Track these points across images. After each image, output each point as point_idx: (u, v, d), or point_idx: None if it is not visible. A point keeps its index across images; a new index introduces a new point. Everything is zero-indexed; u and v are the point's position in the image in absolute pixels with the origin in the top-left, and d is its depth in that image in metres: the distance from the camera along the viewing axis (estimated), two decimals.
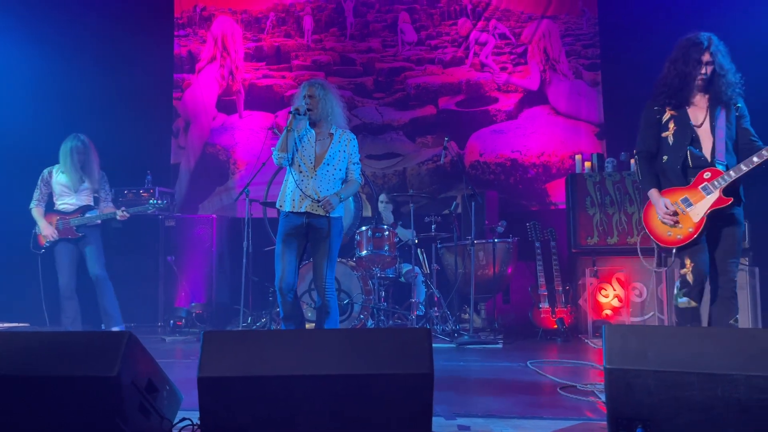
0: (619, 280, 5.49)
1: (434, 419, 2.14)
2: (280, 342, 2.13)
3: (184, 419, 2.32)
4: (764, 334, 2.03)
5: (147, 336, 5.49)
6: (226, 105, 7.63)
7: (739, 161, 3.05)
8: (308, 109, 3.72)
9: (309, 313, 4.97)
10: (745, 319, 5.01)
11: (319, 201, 3.66)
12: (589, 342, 5.12)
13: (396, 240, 5.49)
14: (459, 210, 6.31)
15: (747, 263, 5.07)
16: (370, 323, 5.27)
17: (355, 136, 3.92)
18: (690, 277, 3.02)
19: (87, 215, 5.07)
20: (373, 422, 2.06)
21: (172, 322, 5.95)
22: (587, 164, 5.91)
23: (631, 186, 5.59)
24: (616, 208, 5.60)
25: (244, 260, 5.35)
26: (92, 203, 5.17)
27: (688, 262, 3.04)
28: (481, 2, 7.26)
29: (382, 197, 6.15)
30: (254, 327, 5.70)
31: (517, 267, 5.95)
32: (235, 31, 7.69)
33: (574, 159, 6.20)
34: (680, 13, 5.95)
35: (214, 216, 6.62)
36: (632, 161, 5.74)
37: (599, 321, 5.41)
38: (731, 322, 2.99)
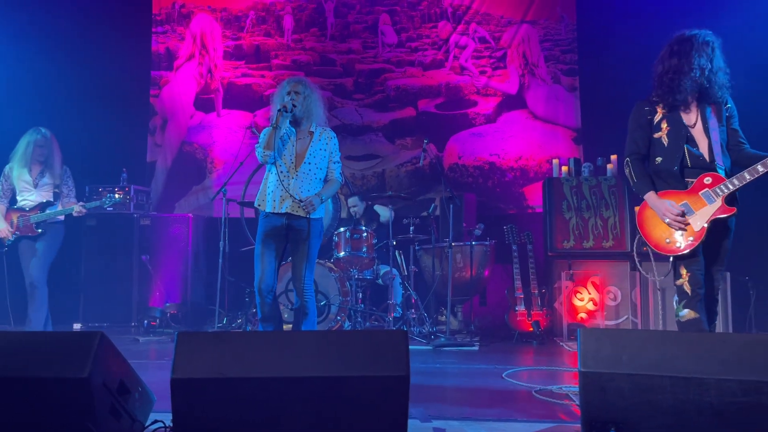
0: (594, 284, 5.55)
1: (410, 422, 2.14)
2: (255, 344, 2.11)
3: (156, 422, 2.29)
4: (735, 338, 2.07)
5: (120, 336, 5.41)
6: (204, 103, 7.56)
7: (731, 164, 2.99)
8: (293, 105, 3.69)
9: (285, 314, 4.94)
10: (717, 324, 5.09)
11: (300, 202, 3.63)
12: (564, 345, 5.16)
13: (374, 242, 5.49)
14: (437, 212, 6.33)
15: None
16: (347, 325, 5.25)
17: (335, 134, 3.89)
18: (687, 287, 2.89)
19: (47, 211, 4.94)
20: (349, 424, 2.05)
21: (146, 322, 5.88)
22: (564, 168, 5.97)
23: (607, 191, 5.65)
24: (592, 213, 5.66)
25: (221, 260, 5.30)
26: (52, 199, 5.00)
27: (684, 271, 2.91)
28: (461, 6, 7.29)
29: (352, 201, 6.10)
30: (230, 328, 5.65)
31: (494, 269, 5.98)
32: (214, 29, 7.62)
33: (551, 163, 6.26)
34: (658, 22, 6.04)
35: (191, 215, 6.56)
36: (609, 166, 5.80)
37: (574, 324, 5.46)
38: (711, 327, 2.99)
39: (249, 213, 6.23)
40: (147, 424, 2.32)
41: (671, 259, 2.98)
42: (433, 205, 6.23)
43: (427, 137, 5.83)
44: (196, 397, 2.01)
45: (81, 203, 5.00)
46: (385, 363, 2.04)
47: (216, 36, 7.61)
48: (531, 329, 5.40)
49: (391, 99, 7.33)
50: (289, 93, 3.73)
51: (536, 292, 5.50)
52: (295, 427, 2.03)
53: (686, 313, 2.89)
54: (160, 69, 7.62)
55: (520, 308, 5.47)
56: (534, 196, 6.89)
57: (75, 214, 4.95)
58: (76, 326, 6.11)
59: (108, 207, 5.11)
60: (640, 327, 5.29)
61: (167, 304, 6.14)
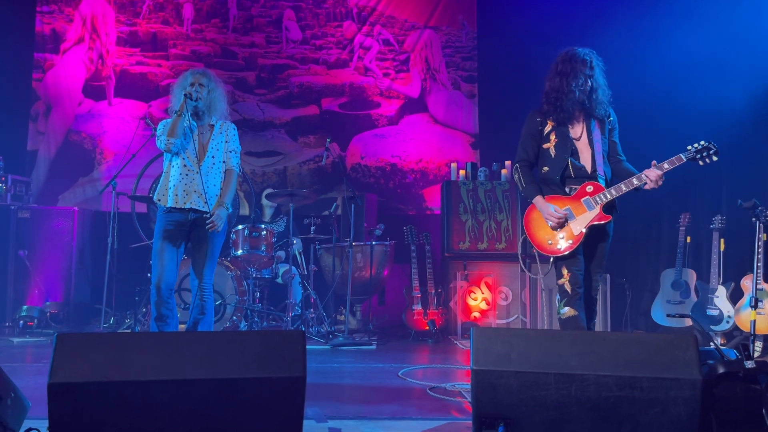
0: (487, 284, 5.76)
1: (305, 422, 2.12)
2: (142, 345, 2.01)
3: (30, 429, 2.14)
4: (613, 336, 2.21)
5: None
6: (94, 90, 7.12)
7: (610, 174, 3.23)
8: (197, 96, 3.56)
9: (179, 314, 4.75)
10: (596, 322, 5.44)
11: (206, 214, 3.52)
12: (458, 343, 5.32)
13: (273, 240, 5.40)
14: (339, 211, 6.33)
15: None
16: (243, 325, 5.13)
17: (235, 127, 3.81)
18: (568, 287, 3.10)
19: None
20: (242, 428, 2.00)
21: (21, 322, 5.45)
22: (462, 172, 6.15)
23: (501, 195, 5.89)
24: (486, 215, 5.87)
25: (108, 257, 5.02)
26: None
27: (565, 272, 3.10)
28: (366, 7, 7.33)
29: (266, 201, 5.98)
30: (118, 329, 5.37)
31: (393, 269, 6.06)
32: (106, 12, 7.20)
33: (449, 166, 6.43)
34: (555, 34, 6.34)
35: (76, 208, 6.15)
36: (503, 171, 6.05)
37: (468, 323, 5.64)
38: (590, 325, 3.17)
39: (140, 208, 5.95)
40: None
41: (552, 259, 3.17)
42: (334, 204, 6.22)
43: (330, 136, 5.82)
44: (76, 403, 1.89)
45: None
46: (281, 364, 2.01)
47: (109, 20, 7.20)
48: (427, 328, 5.52)
49: (295, 96, 7.25)
50: (192, 84, 3.61)
51: (433, 291, 5.63)
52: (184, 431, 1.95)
53: (567, 311, 3.09)
54: (45, 51, 7.10)
55: (417, 307, 5.58)
56: (433, 198, 7.06)
57: None
58: None
59: None
60: (528, 326, 5.54)
61: (47, 303, 5.73)
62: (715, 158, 3.00)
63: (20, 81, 6.97)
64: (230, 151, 3.71)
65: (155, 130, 3.70)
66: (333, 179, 7.05)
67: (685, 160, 3.01)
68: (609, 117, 3.26)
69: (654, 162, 3.05)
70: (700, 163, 3.02)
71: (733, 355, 2.51)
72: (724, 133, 5.11)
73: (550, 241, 3.13)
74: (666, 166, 3.01)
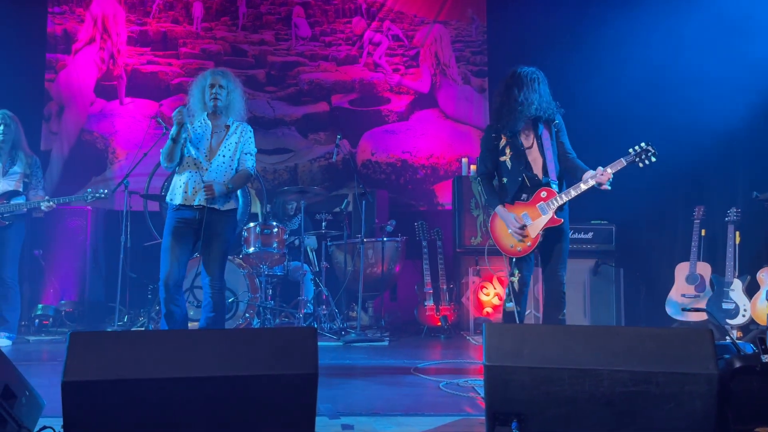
0: (499, 279, 5.73)
1: (318, 418, 2.12)
2: (155, 343, 2.02)
3: (45, 428, 2.15)
4: (626, 331, 2.19)
5: None
6: (105, 90, 7.16)
7: (560, 172, 3.45)
8: (214, 98, 3.62)
9: (191, 312, 4.78)
10: (609, 317, 5.42)
11: (215, 212, 3.54)
12: (471, 339, 5.30)
13: (285, 237, 5.41)
14: (350, 208, 6.32)
15: (613, 265, 5.48)
16: (255, 322, 5.15)
17: (251, 128, 3.84)
18: (517, 286, 3.46)
19: (12, 202, 4.58)
20: (255, 424, 2.01)
21: (37, 321, 5.51)
22: (473, 167, 6.12)
23: None
24: None
25: (122, 255, 5.05)
26: (21, 189, 4.69)
27: (517, 272, 3.47)
28: (375, 2, 7.31)
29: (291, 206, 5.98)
30: (132, 327, 5.41)
31: (404, 265, 6.05)
32: (117, 12, 7.23)
33: (460, 162, 6.40)
34: (564, 28, 6.31)
35: (89, 208, 6.18)
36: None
37: (480, 318, 5.63)
38: (560, 317, 3.38)
39: (153, 206, 5.98)
40: (35, 431, 2.18)
41: (513, 260, 3.50)
42: (345, 201, 6.22)
43: (341, 133, 5.81)
44: (90, 401, 1.90)
45: (47, 197, 4.70)
46: (293, 361, 2.01)
47: (119, 20, 7.23)
48: (439, 324, 5.51)
49: (305, 93, 7.25)
50: (212, 86, 3.65)
51: (445, 287, 5.62)
52: (197, 429, 1.96)
53: (511, 306, 3.47)
54: (57, 52, 7.14)
55: (429, 303, 5.57)
56: (444, 193, 7.03)
57: (44, 209, 4.65)
58: None
59: (89, 201, 4.82)
60: (541, 321, 5.51)
61: (62, 302, 5.78)
62: (653, 159, 3.18)
63: (33, 82, 7.01)
64: (246, 154, 3.75)
65: (166, 129, 3.75)
66: (344, 176, 7.04)
67: (625, 164, 3.21)
68: (554, 121, 3.46)
69: (600, 168, 3.25)
70: (640, 165, 3.21)
71: (749, 349, 2.48)
72: (739, 125, 5.05)
73: (511, 245, 3.48)
74: (609, 170, 3.22)
